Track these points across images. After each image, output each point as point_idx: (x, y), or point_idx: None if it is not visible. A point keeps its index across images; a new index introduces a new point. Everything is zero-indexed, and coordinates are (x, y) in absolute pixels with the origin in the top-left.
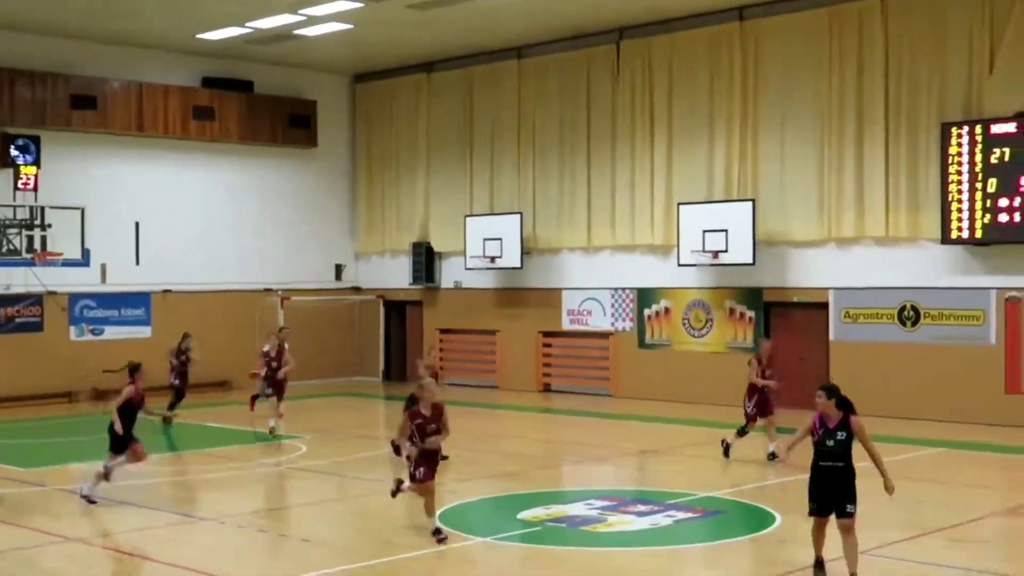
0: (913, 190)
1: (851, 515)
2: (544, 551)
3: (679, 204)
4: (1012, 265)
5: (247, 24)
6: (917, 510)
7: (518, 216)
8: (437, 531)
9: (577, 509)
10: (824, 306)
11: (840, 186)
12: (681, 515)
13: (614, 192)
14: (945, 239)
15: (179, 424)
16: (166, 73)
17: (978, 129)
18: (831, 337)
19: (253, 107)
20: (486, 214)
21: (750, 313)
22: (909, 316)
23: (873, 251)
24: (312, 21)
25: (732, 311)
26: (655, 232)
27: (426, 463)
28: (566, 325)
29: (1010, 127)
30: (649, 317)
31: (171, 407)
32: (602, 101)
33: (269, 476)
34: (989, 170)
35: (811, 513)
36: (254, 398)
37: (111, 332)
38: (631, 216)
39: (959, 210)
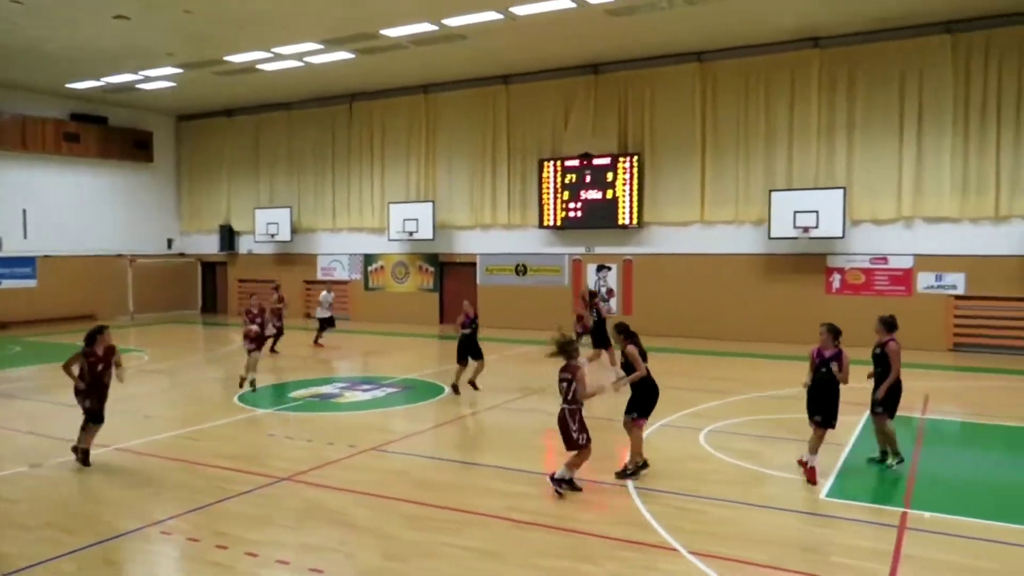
0: (524, 197)
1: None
2: (307, 415)
3: (389, 203)
4: (575, 240)
5: (102, 79)
6: (527, 380)
7: (289, 209)
8: (568, 482)
9: (327, 389)
10: (474, 265)
11: (483, 194)
12: (390, 390)
13: (349, 194)
14: (541, 225)
15: (60, 344)
16: (44, 109)
17: (559, 163)
18: (478, 283)
19: (108, 134)
20: (269, 207)
21: (432, 269)
22: (521, 270)
23: (502, 232)
24: (149, 80)
25: (421, 267)
26: (375, 219)
27: (586, 432)
28: (320, 276)
29: (576, 162)
30: (371, 271)
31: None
32: (342, 139)
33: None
34: (564, 187)
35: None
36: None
37: (7, 284)
38: (360, 209)
39: (548, 209)
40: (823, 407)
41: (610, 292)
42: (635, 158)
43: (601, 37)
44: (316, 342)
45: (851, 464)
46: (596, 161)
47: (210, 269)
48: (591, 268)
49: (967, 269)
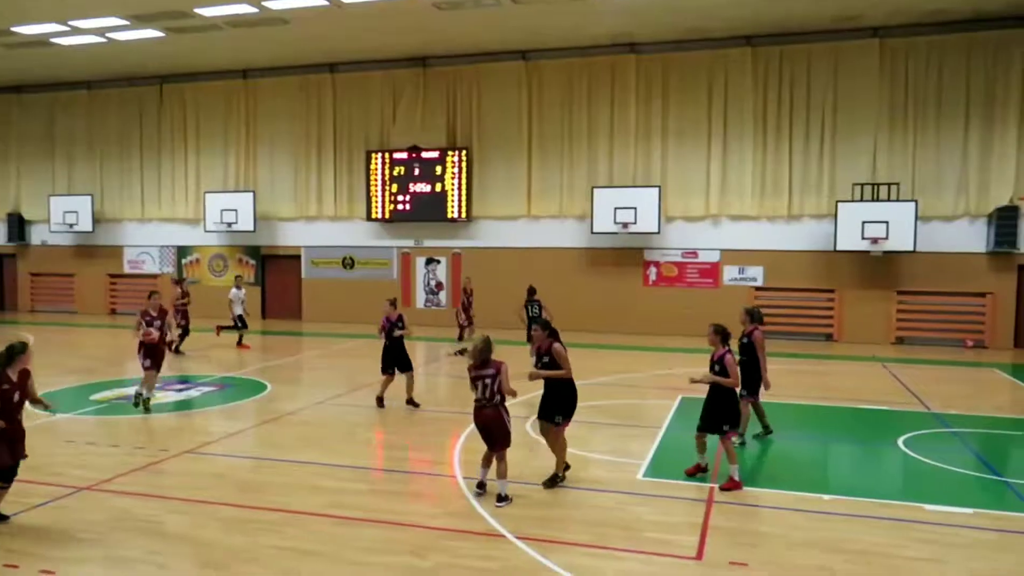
0: (351, 188)
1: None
2: (110, 419)
3: (205, 192)
4: (404, 233)
5: None
6: (354, 375)
7: (90, 197)
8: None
9: (135, 390)
10: (299, 257)
11: (308, 185)
12: (206, 389)
13: (160, 182)
14: (369, 218)
15: None
16: None
17: (387, 155)
18: (303, 276)
19: None
20: (66, 195)
21: (253, 262)
22: (348, 263)
23: (328, 224)
24: None
25: (241, 260)
26: (189, 209)
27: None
28: (127, 269)
29: (404, 155)
30: (186, 264)
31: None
32: (151, 122)
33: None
34: (392, 179)
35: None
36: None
37: None
38: (172, 198)
39: (376, 201)
40: (725, 414)
41: (439, 286)
42: (464, 152)
43: (429, 30)
44: (216, 331)
45: (666, 445)
46: (425, 154)
47: None
48: (420, 261)
49: (765, 263)
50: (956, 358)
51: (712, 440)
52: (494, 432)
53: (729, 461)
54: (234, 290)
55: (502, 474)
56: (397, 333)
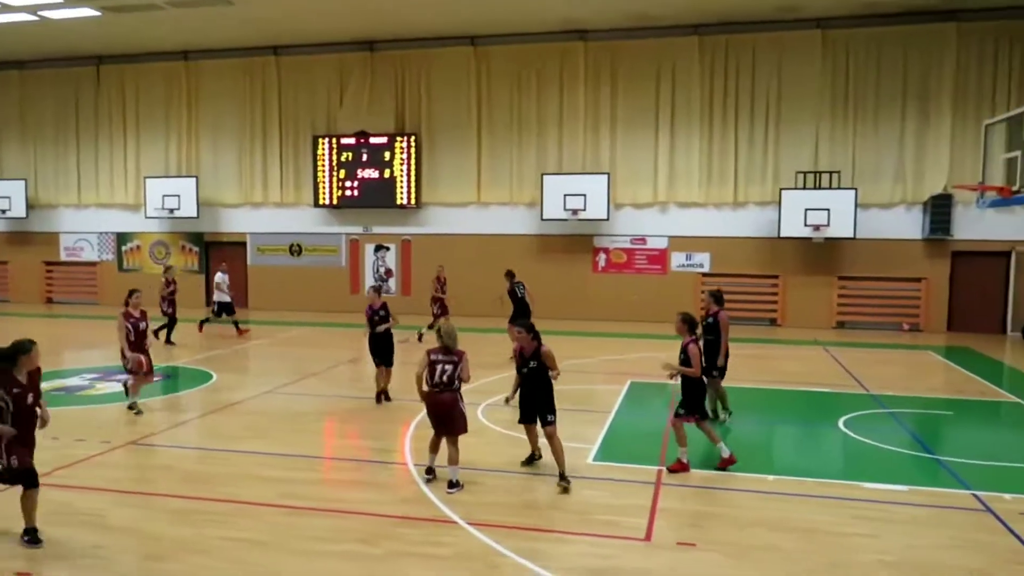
0: (298, 174)
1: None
2: (50, 411)
3: (145, 177)
4: (352, 220)
5: None
6: (302, 364)
7: (23, 181)
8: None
9: (74, 381)
10: (244, 244)
11: (252, 170)
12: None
13: (97, 166)
14: (316, 204)
15: None
16: None
17: (334, 140)
18: (249, 263)
19: None
20: None
21: (196, 248)
22: (296, 249)
23: (275, 211)
24: None
25: (184, 247)
26: (128, 195)
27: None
28: (64, 257)
29: (351, 140)
30: (126, 251)
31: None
32: (88, 105)
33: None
34: (340, 165)
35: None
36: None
37: None
38: (111, 183)
39: (324, 187)
40: (686, 399)
41: (389, 272)
42: (412, 138)
43: (376, 12)
44: (239, 331)
45: (615, 429)
46: (373, 140)
47: None
48: (369, 248)
49: (712, 249)
50: (893, 341)
51: (689, 426)
52: (449, 417)
53: (679, 443)
54: (220, 274)
55: (453, 460)
56: (382, 328)
